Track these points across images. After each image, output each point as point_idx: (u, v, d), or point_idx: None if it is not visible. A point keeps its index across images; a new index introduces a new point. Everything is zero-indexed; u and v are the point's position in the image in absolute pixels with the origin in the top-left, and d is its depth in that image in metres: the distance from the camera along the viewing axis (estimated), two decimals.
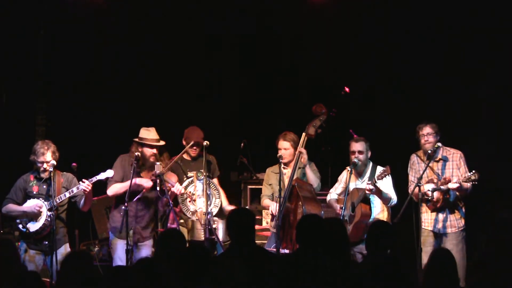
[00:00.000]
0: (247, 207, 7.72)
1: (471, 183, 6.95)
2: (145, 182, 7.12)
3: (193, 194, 7.27)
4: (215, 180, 7.60)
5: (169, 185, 7.12)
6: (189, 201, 7.27)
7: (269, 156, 7.62)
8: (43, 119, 9.56)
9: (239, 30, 9.70)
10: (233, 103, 9.81)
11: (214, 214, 7.25)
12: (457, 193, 7.07)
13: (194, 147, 7.51)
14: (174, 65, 9.66)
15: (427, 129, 7.15)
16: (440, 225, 7.11)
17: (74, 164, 7.17)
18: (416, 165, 7.26)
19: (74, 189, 7.00)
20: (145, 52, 9.59)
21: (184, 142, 7.57)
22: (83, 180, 6.96)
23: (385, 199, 7.14)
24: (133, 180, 7.01)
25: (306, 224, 5.26)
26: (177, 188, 7.16)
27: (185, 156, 7.57)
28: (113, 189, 7.19)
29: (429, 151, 7.08)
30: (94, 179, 7.00)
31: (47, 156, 7.02)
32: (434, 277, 4.66)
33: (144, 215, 7.23)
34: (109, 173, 7.05)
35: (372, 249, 5.21)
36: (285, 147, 7.38)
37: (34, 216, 6.99)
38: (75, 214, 7.39)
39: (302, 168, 7.36)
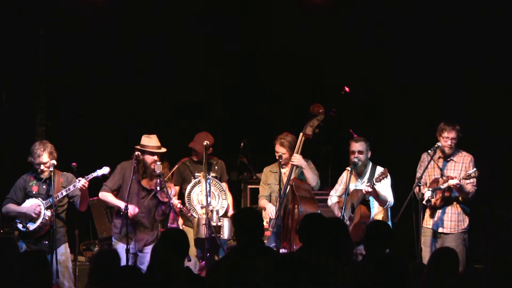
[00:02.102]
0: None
1: (472, 185, 6.91)
2: (132, 209, 7.04)
3: (189, 210, 7.30)
4: (224, 184, 7.60)
5: (166, 197, 7.10)
6: (188, 215, 7.30)
7: (269, 156, 7.62)
8: (43, 119, 9.56)
9: (239, 30, 9.71)
10: (233, 103, 9.82)
11: (220, 214, 7.28)
12: (458, 194, 7.03)
13: (194, 152, 7.54)
14: (175, 65, 9.67)
15: (452, 134, 7.06)
16: (441, 225, 7.09)
17: (74, 164, 7.17)
18: (425, 163, 7.20)
19: (71, 187, 7.01)
20: (146, 52, 9.59)
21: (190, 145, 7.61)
22: (80, 178, 6.97)
23: (381, 201, 7.12)
24: (112, 200, 7.14)
25: (308, 223, 5.24)
26: (173, 202, 7.14)
27: (193, 158, 7.60)
28: (104, 196, 7.24)
29: (429, 151, 7.06)
30: (90, 176, 7.01)
31: (43, 158, 7.03)
32: (436, 277, 4.65)
33: (145, 221, 7.22)
34: (105, 169, 7.06)
35: (371, 248, 5.21)
36: (282, 152, 7.34)
37: (32, 217, 7.01)
38: (75, 214, 7.39)
39: (300, 167, 7.35)
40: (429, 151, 7.06)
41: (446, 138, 7.07)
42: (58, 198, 7.01)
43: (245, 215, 5.35)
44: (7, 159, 8.81)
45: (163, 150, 7.24)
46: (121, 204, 7.02)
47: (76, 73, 9.52)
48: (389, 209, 7.23)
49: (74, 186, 6.99)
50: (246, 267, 4.75)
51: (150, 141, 7.22)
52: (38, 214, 7.00)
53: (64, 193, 7.04)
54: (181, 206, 7.25)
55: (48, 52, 9.55)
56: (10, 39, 9.20)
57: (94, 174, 7.03)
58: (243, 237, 5.17)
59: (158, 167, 7.03)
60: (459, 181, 6.86)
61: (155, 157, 7.16)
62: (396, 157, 8.24)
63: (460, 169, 7.09)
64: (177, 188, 7.54)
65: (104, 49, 9.51)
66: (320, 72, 9.47)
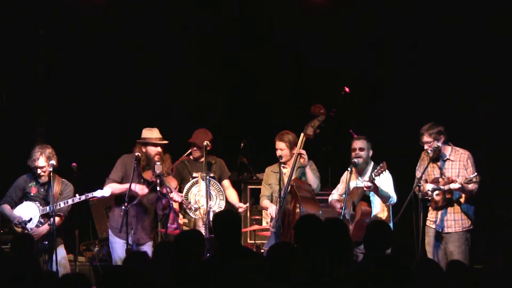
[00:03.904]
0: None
1: (475, 184, 6.91)
2: (140, 189, 7.09)
3: (189, 203, 7.30)
4: (226, 182, 7.62)
5: (168, 190, 7.11)
6: (188, 209, 7.30)
7: (269, 156, 7.62)
8: (43, 119, 9.56)
9: (239, 30, 9.71)
10: (233, 103, 9.82)
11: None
12: (462, 194, 7.02)
13: (195, 148, 7.55)
14: (175, 64, 9.66)
15: (425, 138, 7.07)
16: (443, 224, 7.07)
17: (74, 164, 7.17)
18: (425, 162, 7.20)
19: (69, 201, 7.04)
20: (146, 51, 9.59)
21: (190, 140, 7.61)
22: (78, 196, 7.00)
23: (383, 196, 7.12)
24: (120, 187, 7.07)
25: (304, 225, 5.25)
26: (174, 196, 7.14)
27: (191, 157, 7.60)
28: (109, 188, 7.18)
29: (429, 152, 7.07)
30: (90, 195, 7.03)
31: (40, 162, 7.03)
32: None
33: (145, 216, 7.22)
34: (106, 192, 7.05)
35: (371, 249, 5.20)
36: (280, 148, 7.38)
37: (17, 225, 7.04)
38: (75, 214, 7.39)
39: (301, 167, 7.36)
40: (428, 151, 7.06)
41: (422, 142, 7.08)
42: (53, 209, 6.97)
43: (226, 214, 5.54)
44: (7, 160, 8.80)
45: (166, 142, 7.25)
46: (130, 186, 6.98)
47: (76, 73, 9.52)
48: (391, 208, 7.22)
49: (73, 200, 7.02)
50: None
51: (152, 133, 7.24)
52: (25, 225, 7.00)
53: (62, 205, 7.05)
54: (182, 199, 7.25)
55: (48, 52, 9.55)
56: (10, 39, 9.20)
57: (94, 194, 7.04)
58: (223, 237, 5.23)
59: (158, 167, 7.02)
60: (461, 185, 6.87)
61: (159, 149, 7.16)
62: (396, 156, 8.22)
63: (458, 167, 7.07)
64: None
65: (104, 49, 9.51)
66: (320, 72, 9.45)
